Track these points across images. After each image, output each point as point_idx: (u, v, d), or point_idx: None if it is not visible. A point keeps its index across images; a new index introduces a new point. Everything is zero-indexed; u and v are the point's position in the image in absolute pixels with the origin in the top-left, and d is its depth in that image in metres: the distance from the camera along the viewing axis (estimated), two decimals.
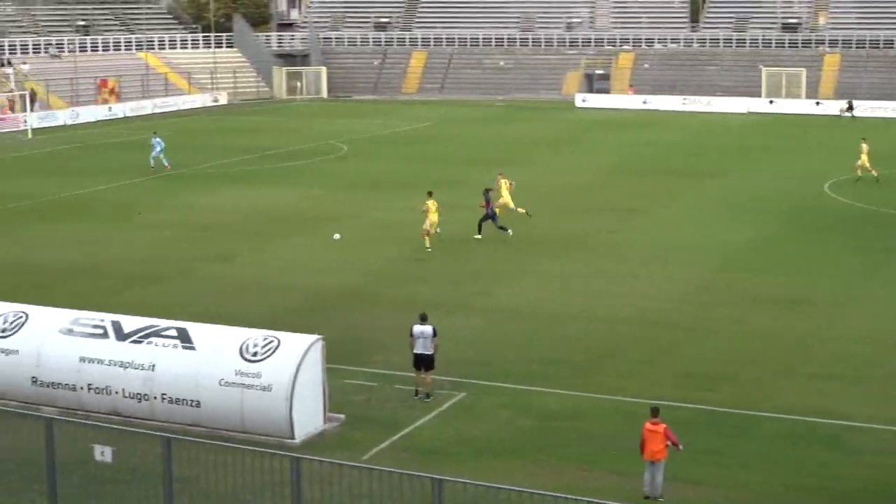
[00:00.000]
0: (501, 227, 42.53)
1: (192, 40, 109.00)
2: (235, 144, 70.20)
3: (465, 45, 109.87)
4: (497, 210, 43.32)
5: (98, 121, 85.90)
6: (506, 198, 44.68)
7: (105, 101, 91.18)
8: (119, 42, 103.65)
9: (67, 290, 34.89)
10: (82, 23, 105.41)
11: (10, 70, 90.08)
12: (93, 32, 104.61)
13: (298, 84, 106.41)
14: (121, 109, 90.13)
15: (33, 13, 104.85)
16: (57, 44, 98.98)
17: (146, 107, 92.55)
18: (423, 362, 25.86)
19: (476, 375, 27.38)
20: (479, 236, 42.31)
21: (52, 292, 34.17)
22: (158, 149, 59.24)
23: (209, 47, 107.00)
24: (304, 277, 37.09)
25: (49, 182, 56.35)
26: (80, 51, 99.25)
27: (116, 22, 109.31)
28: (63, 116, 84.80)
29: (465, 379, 27.09)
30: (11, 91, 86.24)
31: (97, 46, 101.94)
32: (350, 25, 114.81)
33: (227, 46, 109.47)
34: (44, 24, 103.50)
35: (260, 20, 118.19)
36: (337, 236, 42.52)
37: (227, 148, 68.43)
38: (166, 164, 59.05)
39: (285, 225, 45.44)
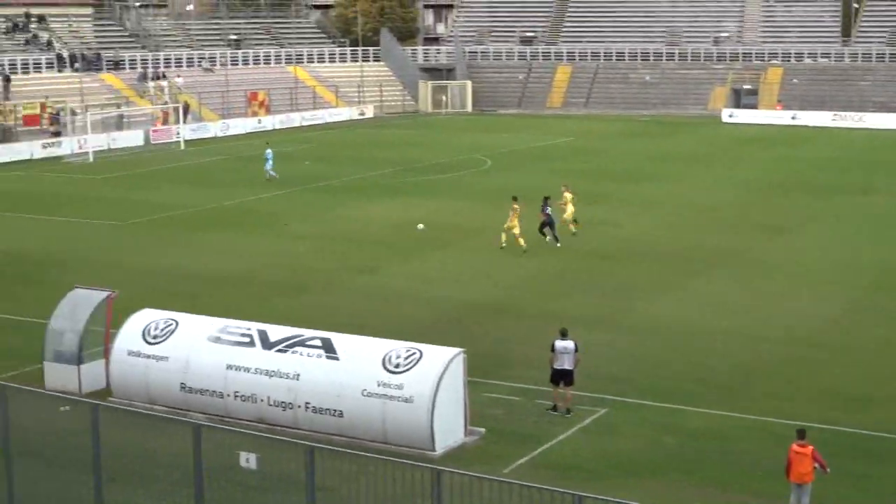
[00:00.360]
0: (555, 237, 43.45)
1: (340, 54, 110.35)
2: (381, 157, 70.80)
3: (611, 60, 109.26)
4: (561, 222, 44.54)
5: (248, 133, 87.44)
6: (570, 210, 45.43)
7: (254, 114, 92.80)
8: (269, 56, 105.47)
9: (216, 299, 35.51)
10: (234, 37, 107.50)
11: (164, 83, 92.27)
12: (244, 46, 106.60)
13: (444, 98, 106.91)
14: (270, 122, 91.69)
15: (188, 28, 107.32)
16: (210, 57, 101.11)
17: (294, 119, 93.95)
18: (564, 377, 25.72)
19: (618, 392, 27.12)
20: (557, 240, 43.54)
21: (201, 300, 34.83)
22: (270, 161, 61.01)
23: (356, 61, 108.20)
24: (447, 290, 37.18)
25: (200, 193, 57.52)
26: (232, 64, 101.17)
27: (267, 36, 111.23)
28: (214, 128, 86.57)
29: (607, 395, 26.85)
30: (166, 103, 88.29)
31: (248, 60, 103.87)
32: (496, 39, 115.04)
33: (374, 60, 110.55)
34: (197, 39, 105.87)
35: (407, 34, 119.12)
36: (421, 226, 45.64)
37: (373, 160, 69.04)
38: (273, 174, 60.58)
39: (430, 237, 45.62)
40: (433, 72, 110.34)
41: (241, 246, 44.49)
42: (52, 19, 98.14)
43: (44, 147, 73.87)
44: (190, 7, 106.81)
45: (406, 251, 43.20)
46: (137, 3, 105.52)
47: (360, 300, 35.91)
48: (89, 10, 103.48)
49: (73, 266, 40.74)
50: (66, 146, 74.53)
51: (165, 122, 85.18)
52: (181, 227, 48.40)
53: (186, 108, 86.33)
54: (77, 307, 27.69)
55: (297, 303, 35.52)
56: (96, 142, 74.58)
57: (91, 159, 71.20)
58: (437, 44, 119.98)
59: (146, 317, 26.82)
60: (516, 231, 42.79)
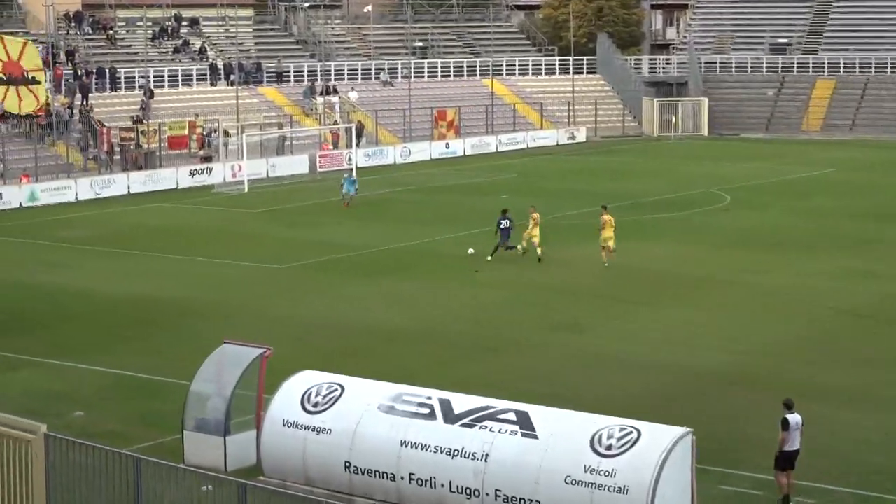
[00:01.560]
0: (509, 247, 50.40)
1: (547, 65, 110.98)
2: (594, 190, 70.64)
3: (885, 72, 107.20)
4: (523, 244, 50.85)
5: (433, 159, 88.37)
6: (532, 231, 50.78)
7: (442, 137, 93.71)
8: (461, 67, 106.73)
9: (389, 359, 35.86)
10: (419, 44, 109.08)
11: (335, 99, 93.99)
12: (431, 55, 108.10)
13: (673, 118, 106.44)
14: (459, 146, 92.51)
15: (364, 33, 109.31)
16: (389, 68, 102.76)
17: (490, 143, 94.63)
18: (794, 459, 25.52)
19: (886, 488, 26.44)
20: (494, 252, 50.61)
21: (370, 361, 35.20)
22: (351, 188, 65.38)
23: (566, 73, 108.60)
24: (671, 354, 36.89)
25: (373, 231, 58.33)
26: (416, 77, 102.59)
27: (459, 43, 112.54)
28: (393, 153, 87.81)
29: (874, 492, 26.18)
30: (336, 123, 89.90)
31: (435, 72, 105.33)
32: (739, 47, 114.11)
33: (588, 72, 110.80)
34: (376, 46, 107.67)
35: (629, 41, 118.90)
36: (471, 251, 51.19)
37: (584, 194, 68.97)
38: (345, 197, 65.23)
39: (652, 289, 45.38)
40: (661, 86, 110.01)
41: (419, 296, 44.89)
42: (206, 23, 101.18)
43: (191, 175, 76.18)
44: (368, 9, 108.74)
45: (621, 306, 43.07)
46: (306, 4, 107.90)
47: (563, 365, 35.86)
48: (249, 13, 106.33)
49: (222, 317, 41.72)
50: (218, 174, 76.69)
51: (335, 145, 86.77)
52: (349, 272, 49.10)
53: (360, 129, 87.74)
54: (225, 367, 28.11)
55: (486, 366, 35.64)
56: (253, 169, 76.50)
57: (246, 189, 72.98)
58: (667, 52, 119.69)
59: (306, 380, 27.14)
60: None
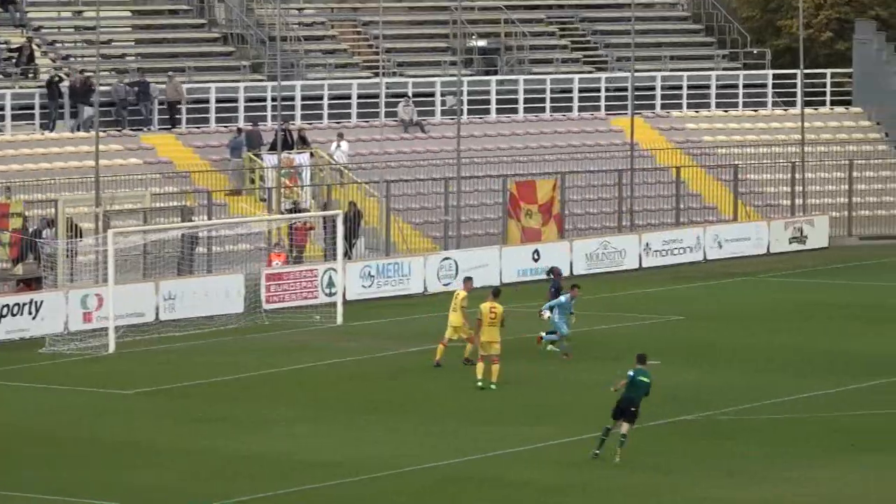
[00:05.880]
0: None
1: (748, 87, 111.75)
2: (848, 351, 72.02)
3: None
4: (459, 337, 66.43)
5: (506, 284, 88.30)
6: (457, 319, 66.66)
7: (528, 237, 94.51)
8: (567, 91, 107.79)
9: None
10: (481, 44, 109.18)
11: (302, 158, 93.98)
12: (505, 68, 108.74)
13: None
14: (562, 256, 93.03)
15: (365, 22, 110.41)
16: (417, 95, 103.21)
17: (626, 251, 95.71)
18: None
19: None
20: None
21: None
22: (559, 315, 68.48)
23: (789, 104, 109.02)
24: None
25: (377, 435, 58.53)
26: (473, 111, 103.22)
27: (563, 43, 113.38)
28: (421, 273, 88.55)
29: None
30: (299, 208, 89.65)
31: (514, 101, 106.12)
32: None
33: (836, 102, 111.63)
34: (389, 49, 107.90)
35: None
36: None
37: (828, 359, 70.09)
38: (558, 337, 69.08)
39: None
40: None
41: None
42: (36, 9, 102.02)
43: None
44: None
45: None
46: None
47: None
48: None
49: None
50: (54, 315, 77.04)
51: (298, 255, 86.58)
52: None
53: (356, 221, 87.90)
54: None
55: None
56: (128, 305, 77.41)
57: (111, 348, 73.60)
58: None
59: None
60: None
